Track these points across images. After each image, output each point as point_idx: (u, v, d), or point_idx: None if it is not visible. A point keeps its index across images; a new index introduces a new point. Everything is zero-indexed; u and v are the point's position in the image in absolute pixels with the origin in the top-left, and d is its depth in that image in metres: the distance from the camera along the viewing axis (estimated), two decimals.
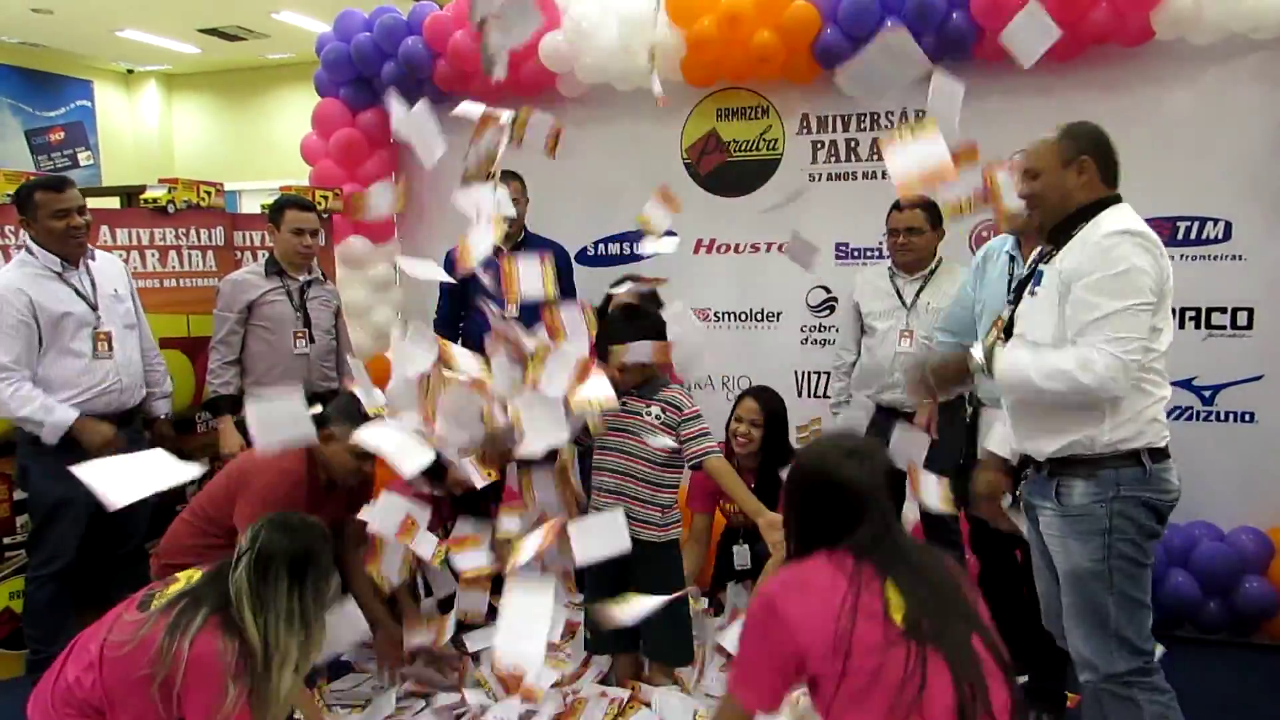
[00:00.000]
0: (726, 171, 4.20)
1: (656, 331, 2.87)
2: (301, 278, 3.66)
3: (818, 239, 3.97)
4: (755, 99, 4.12)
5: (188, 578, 2.27)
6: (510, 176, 3.94)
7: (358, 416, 2.80)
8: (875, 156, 3.96)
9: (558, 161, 4.35)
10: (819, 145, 4.06)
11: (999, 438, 2.45)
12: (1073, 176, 2.19)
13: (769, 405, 3.29)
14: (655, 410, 2.81)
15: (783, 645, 1.65)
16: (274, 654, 2.10)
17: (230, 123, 11.88)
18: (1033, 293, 2.24)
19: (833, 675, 1.58)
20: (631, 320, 2.86)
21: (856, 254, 4.07)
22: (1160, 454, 2.17)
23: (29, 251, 3.08)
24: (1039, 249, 2.36)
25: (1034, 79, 3.70)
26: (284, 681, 2.11)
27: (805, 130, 4.08)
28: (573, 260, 4.15)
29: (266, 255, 3.72)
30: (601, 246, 4.41)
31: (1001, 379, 2.23)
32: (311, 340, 3.65)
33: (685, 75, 3.99)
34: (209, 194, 3.90)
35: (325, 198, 4.25)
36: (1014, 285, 2.51)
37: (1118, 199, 2.22)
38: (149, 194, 3.75)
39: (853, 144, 4.00)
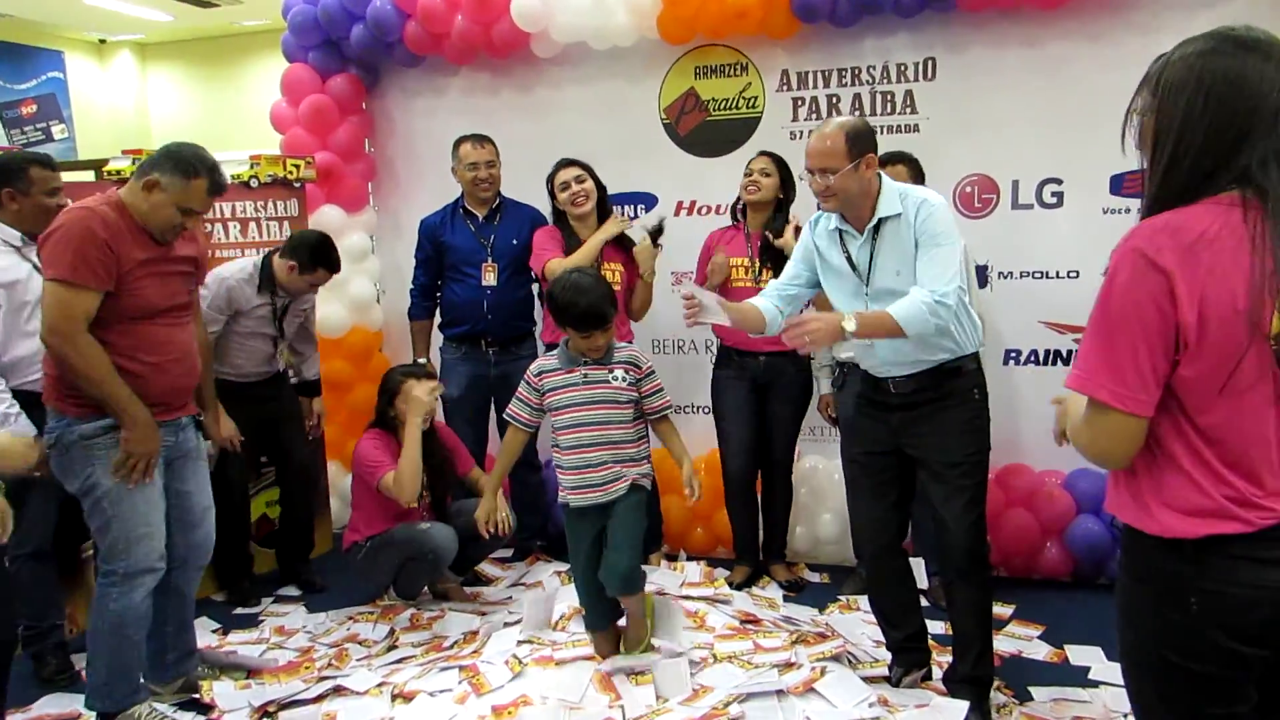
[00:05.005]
0: (706, 131, 4.11)
1: (612, 298, 2.83)
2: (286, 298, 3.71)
3: (799, 197, 3.91)
4: (734, 56, 4.02)
5: None
6: (482, 139, 3.85)
7: (188, 168, 2.55)
8: (857, 112, 3.87)
9: (533, 123, 4.28)
10: (799, 102, 3.97)
11: None
12: None
13: (780, 160, 3.55)
14: (619, 373, 2.79)
15: (1162, 311, 1.29)
16: None
17: (207, 92, 11.65)
18: None
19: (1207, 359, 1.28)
20: (605, 295, 2.77)
21: None
22: None
23: None
24: None
25: (1019, 30, 3.65)
26: None
27: (785, 87, 3.98)
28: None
29: (262, 262, 3.64)
30: None
31: None
32: (277, 344, 3.76)
33: (661, 32, 3.88)
34: None
35: (296, 166, 4.15)
36: None
37: None
38: (113, 166, 3.64)
39: (834, 100, 3.91)
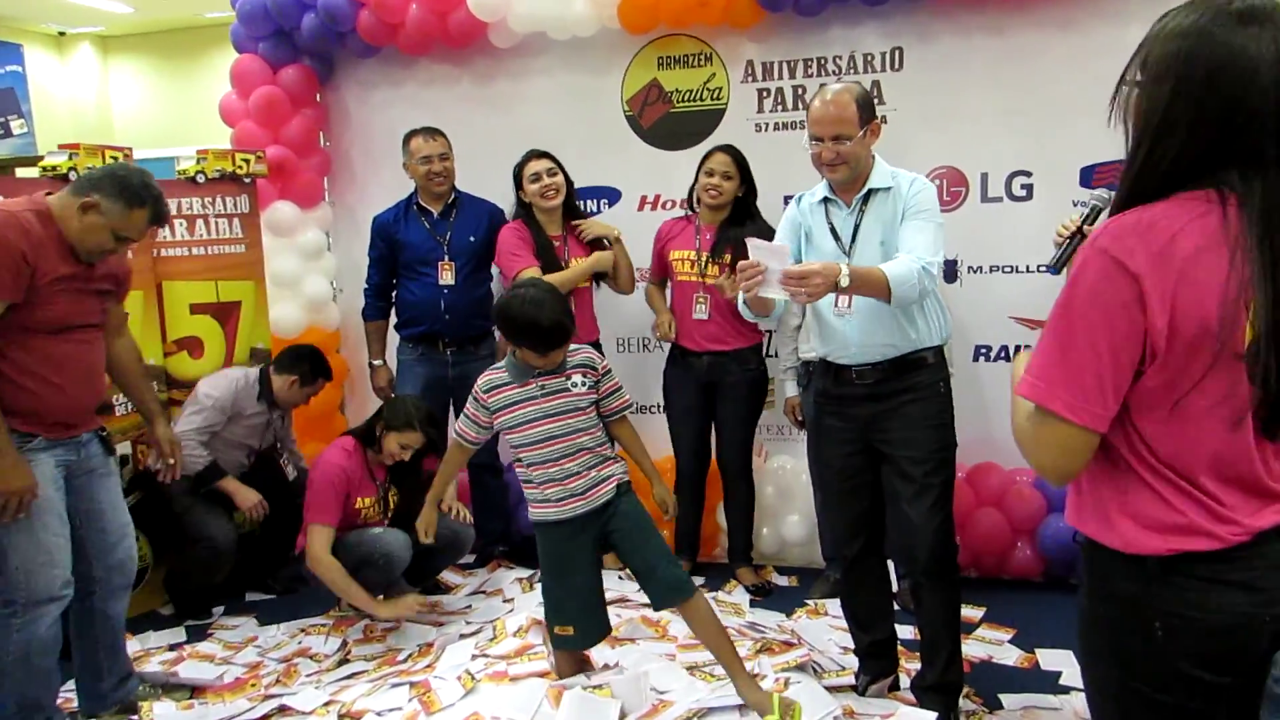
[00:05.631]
0: (670, 123, 4.00)
1: (568, 307, 2.68)
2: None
3: (765, 191, 3.82)
4: (697, 45, 3.91)
5: None
6: (434, 132, 3.73)
7: (132, 196, 2.45)
8: None
9: (492, 115, 4.16)
10: (764, 93, 3.87)
11: None
12: None
13: (740, 158, 3.45)
14: (576, 379, 2.65)
15: (1130, 319, 1.18)
16: None
17: (170, 85, 11.40)
18: None
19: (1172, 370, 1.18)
20: (564, 306, 2.62)
21: None
22: None
23: None
24: None
25: (988, 18, 3.57)
26: None
27: (750, 78, 3.88)
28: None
29: (261, 371, 3.72)
30: None
31: None
32: (250, 457, 3.77)
33: (623, 21, 3.77)
34: (115, 160, 3.63)
35: (246, 161, 4.00)
36: None
37: None
38: (48, 161, 3.48)
39: (799, 91, 3.81)
